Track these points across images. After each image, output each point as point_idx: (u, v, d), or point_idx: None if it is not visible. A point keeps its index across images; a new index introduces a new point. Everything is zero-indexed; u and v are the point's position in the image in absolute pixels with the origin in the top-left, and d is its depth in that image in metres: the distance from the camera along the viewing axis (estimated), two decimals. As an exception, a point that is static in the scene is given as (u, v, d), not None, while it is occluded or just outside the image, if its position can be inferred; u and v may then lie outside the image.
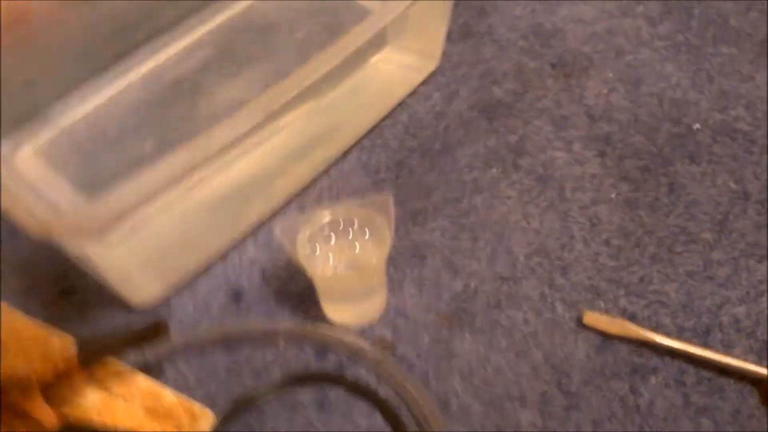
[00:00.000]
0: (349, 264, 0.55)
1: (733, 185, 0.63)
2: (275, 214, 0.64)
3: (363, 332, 0.55)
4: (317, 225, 0.54)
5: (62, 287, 0.59)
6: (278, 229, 0.52)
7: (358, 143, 0.69)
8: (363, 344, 0.53)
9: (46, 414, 0.44)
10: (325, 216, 0.54)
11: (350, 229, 0.55)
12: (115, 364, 0.52)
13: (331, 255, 0.55)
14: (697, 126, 0.68)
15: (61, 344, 0.51)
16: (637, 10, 0.79)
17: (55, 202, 0.53)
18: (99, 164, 0.58)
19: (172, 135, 0.53)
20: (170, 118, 0.61)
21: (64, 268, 0.59)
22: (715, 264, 0.57)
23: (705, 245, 0.59)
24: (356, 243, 0.55)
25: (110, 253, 0.51)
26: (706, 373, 0.51)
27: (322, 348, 0.54)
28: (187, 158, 0.48)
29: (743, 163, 0.64)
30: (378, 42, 0.70)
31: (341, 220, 0.54)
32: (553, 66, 0.74)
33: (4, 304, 0.54)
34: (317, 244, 0.54)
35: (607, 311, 0.55)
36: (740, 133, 0.67)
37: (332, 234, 0.55)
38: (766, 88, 0.70)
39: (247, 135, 0.52)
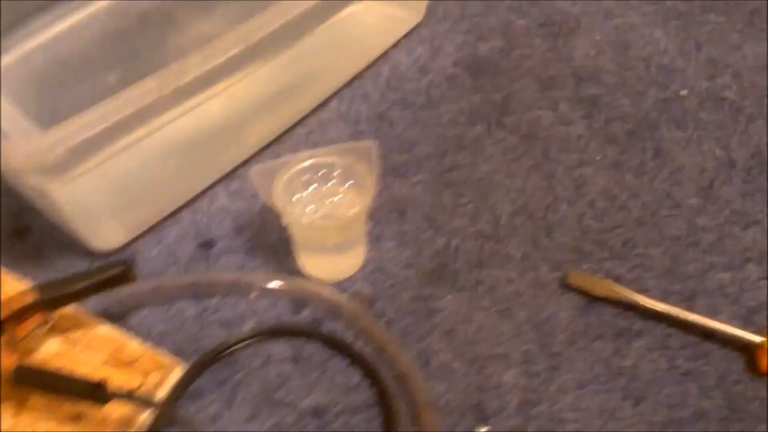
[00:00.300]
0: (327, 213, 0.52)
1: (718, 152, 0.62)
2: (248, 161, 0.60)
3: (340, 287, 0.53)
4: (295, 170, 0.51)
5: (15, 227, 0.54)
6: (254, 172, 0.49)
7: (337, 93, 0.66)
8: (340, 298, 0.51)
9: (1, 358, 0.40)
10: (304, 161, 0.51)
11: (330, 176, 0.52)
12: (76, 311, 0.48)
13: (309, 203, 0.52)
14: (684, 92, 0.66)
15: (18, 287, 0.47)
16: (627, -27, 0.77)
17: (8, 133, 0.48)
18: (58, 96, 0.53)
19: (138, 68, 0.48)
20: (137, 51, 0.57)
21: (18, 208, 0.55)
22: (700, 230, 0.56)
23: (690, 211, 0.57)
24: (336, 191, 0.52)
25: (71, 192, 0.47)
26: (691, 338, 0.50)
27: (297, 301, 0.52)
28: (156, 88, 0.44)
29: (729, 131, 0.63)
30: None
31: (321, 166, 0.51)
32: (541, 25, 0.72)
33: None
34: (294, 191, 0.51)
35: (591, 273, 0.53)
36: (727, 102, 0.66)
37: (311, 181, 0.52)
38: (753, 58, 0.69)
39: (221, 70, 0.49)
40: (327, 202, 0.52)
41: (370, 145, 0.50)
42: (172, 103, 0.46)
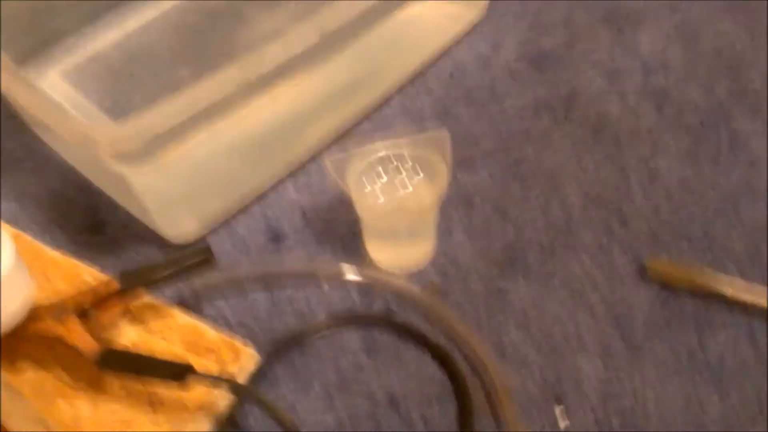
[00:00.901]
0: (400, 203, 0.52)
1: (797, 142, 0.60)
2: (315, 156, 0.61)
3: (410, 278, 0.52)
4: (368, 159, 0.50)
5: (91, 221, 0.56)
6: (328, 161, 0.49)
7: (400, 90, 0.66)
8: (413, 288, 0.50)
9: (84, 341, 0.41)
10: (378, 150, 0.51)
11: (402, 168, 0.52)
12: (152, 300, 0.49)
13: (381, 193, 0.51)
14: (756, 83, 0.65)
15: (99, 277, 0.48)
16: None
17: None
18: (130, 90, 0.55)
19: (209, 64, 0.49)
20: (207, 47, 0.58)
21: (94, 202, 0.56)
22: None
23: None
24: (409, 181, 0.52)
25: (151, 181, 0.48)
26: (778, 328, 0.48)
27: (368, 291, 0.51)
28: (239, 75, 0.45)
29: (807, 121, 0.61)
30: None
31: (393, 158, 0.51)
32: (605, 19, 0.71)
33: (26, 236, 0.52)
34: (366, 182, 0.51)
35: (670, 263, 0.52)
36: (802, 92, 0.64)
37: (383, 172, 0.52)
38: (827, 47, 0.67)
39: (297, 60, 0.49)
40: (398, 193, 0.52)
41: (443, 134, 0.50)
42: (251, 93, 0.46)
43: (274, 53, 0.46)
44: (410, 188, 0.52)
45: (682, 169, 0.58)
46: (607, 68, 0.67)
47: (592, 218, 0.55)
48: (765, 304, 0.48)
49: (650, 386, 0.46)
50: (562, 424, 0.45)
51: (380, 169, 0.51)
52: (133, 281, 0.44)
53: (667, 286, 0.50)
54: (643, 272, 0.51)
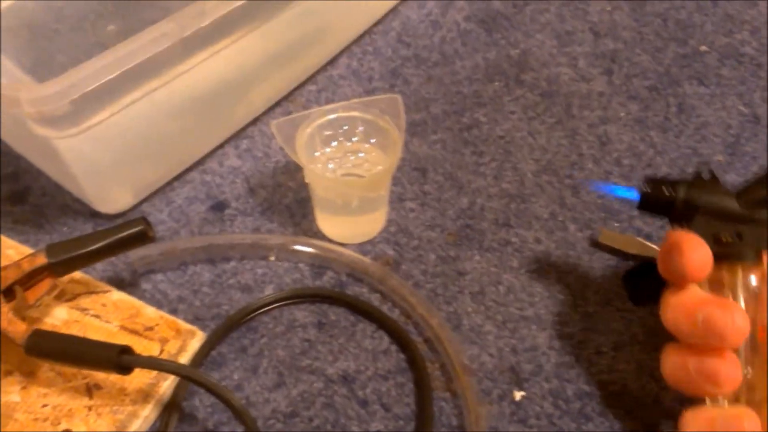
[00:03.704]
0: (349, 172, 0.49)
1: (742, 108, 0.60)
2: (258, 120, 0.57)
3: (361, 250, 0.50)
4: (317, 124, 0.48)
5: (14, 190, 0.51)
6: (274, 124, 0.46)
7: (347, 50, 0.63)
8: (364, 260, 0.48)
9: (9, 321, 0.37)
10: (327, 113, 0.48)
11: (353, 132, 0.49)
12: (84, 276, 0.45)
13: (331, 159, 0.49)
14: (704, 48, 0.65)
15: (23, 251, 0.44)
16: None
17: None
18: (52, 47, 0.50)
19: (139, 18, 0.45)
20: (135, 3, 0.53)
21: (15, 169, 0.51)
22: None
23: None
24: (359, 149, 0.49)
25: (79, 147, 0.43)
26: (726, 295, 0.49)
27: (318, 263, 0.49)
28: (176, 31, 0.41)
29: (751, 86, 0.62)
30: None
31: (343, 121, 0.48)
32: (554, -21, 0.69)
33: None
34: (315, 147, 0.48)
35: (621, 231, 0.52)
36: (747, 57, 0.64)
37: (333, 137, 0.49)
38: (769, 14, 0.68)
39: (238, 15, 0.46)
40: (350, 158, 0.49)
41: (395, 97, 0.48)
42: (189, 52, 0.42)
43: (213, 7, 0.42)
44: (362, 154, 0.49)
45: (631, 136, 0.58)
46: (557, 31, 0.65)
47: (544, 186, 0.54)
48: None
49: (603, 354, 0.46)
50: (518, 395, 0.44)
51: (330, 133, 0.49)
52: (61, 255, 0.40)
53: (619, 255, 0.50)
54: (594, 241, 0.51)
